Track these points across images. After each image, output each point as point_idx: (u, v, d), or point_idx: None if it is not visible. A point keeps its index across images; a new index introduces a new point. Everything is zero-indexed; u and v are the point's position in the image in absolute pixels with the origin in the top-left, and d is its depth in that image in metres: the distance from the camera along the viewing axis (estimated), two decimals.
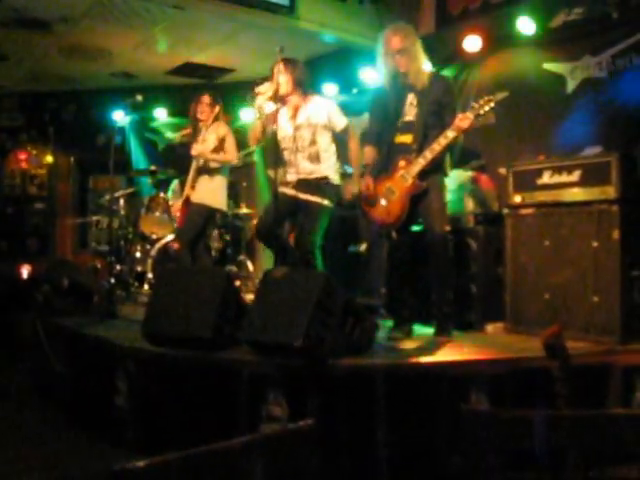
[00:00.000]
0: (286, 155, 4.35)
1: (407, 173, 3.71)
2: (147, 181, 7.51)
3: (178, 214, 5.12)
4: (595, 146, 4.41)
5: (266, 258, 6.69)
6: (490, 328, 4.18)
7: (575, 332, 3.63)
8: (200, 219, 5.06)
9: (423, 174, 3.71)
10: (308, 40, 6.18)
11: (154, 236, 6.06)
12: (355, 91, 6.51)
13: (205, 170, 5.07)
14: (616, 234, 3.61)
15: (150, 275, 5.81)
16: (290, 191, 4.30)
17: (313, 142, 4.29)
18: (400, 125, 3.83)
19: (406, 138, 3.80)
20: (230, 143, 5.12)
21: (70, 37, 6.36)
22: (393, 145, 3.84)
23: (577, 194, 3.83)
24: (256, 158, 7.58)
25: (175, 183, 6.13)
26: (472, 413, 1.66)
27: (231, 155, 5.13)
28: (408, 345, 3.70)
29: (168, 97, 7.85)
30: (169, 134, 8.22)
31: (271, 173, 4.47)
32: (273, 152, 4.22)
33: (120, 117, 7.58)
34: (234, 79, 7.74)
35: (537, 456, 1.53)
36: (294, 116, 4.33)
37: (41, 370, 4.57)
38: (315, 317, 2.96)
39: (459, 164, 5.16)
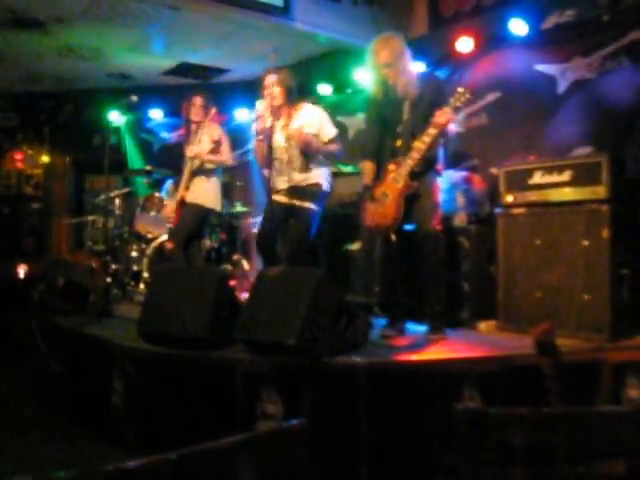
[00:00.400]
0: (277, 164, 4.43)
1: (398, 175, 3.74)
2: (142, 181, 7.54)
3: (172, 215, 5.13)
4: (586, 146, 4.46)
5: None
6: (482, 326, 4.22)
7: (566, 330, 3.67)
8: (194, 219, 5.07)
9: (415, 174, 3.74)
10: (302, 41, 6.20)
11: (150, 235, 6.08)
12: (349, 91, 6.55)
13: (200, 171, 5.08)
14: (606, 233, 3.65)
15: (146, 274, 5.82)
16: (283, 199, 4.40)
17: (302, 152, 4.37)
18: (397, 132, 3.87)
19: (399, 142, 3.84)
20: (225, 144, 5.13)
21: (66, 37, 6.36)
22: (394, 154, 3.87)
23: (568, 194, 3.87)
24: (251, 157, 7.61)
25: (169, 183, 6.14)
26: (464, 411, 1.68)
27: (226, 156, 5.14)
28: (401, 343, 3.74)
29: (163, 97, 7.85)
30: (164, 134, 8.24)
31: (265, 173, 4.50)
32: (267, 161, 4.35)
33: (116, 117, 7.60)
34: (229, 79, 7.77)
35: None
36: (286, 126, 4.38)
37: (39, 370, 4.58)
38: (309, 316, 2.99)
39: (452, 164, 5.21)
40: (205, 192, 5.10)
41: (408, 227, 3.95)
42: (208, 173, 5.11)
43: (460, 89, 3.68)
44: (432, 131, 3.64)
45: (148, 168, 6.56)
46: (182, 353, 3.35)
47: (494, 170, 4.65)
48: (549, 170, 3.98)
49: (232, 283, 5.25)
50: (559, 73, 4.79)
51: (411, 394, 3.07)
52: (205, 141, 5.06)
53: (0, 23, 5.92)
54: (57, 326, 4.45)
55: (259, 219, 4.78)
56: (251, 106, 7.32)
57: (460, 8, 5.63)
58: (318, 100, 6.88)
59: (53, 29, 6.11)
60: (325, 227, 5.29)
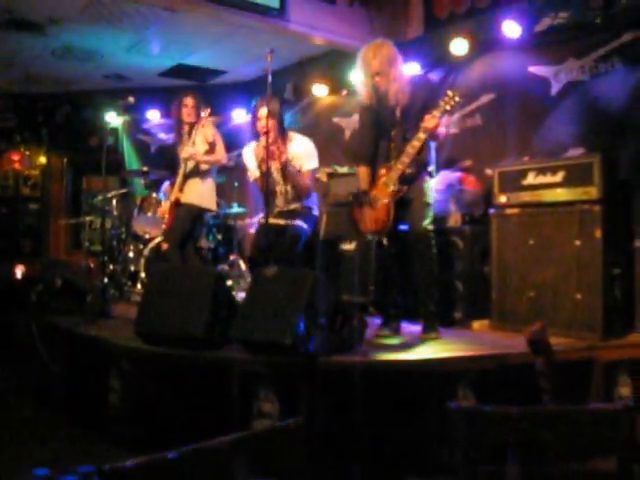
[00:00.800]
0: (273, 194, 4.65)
1: (388, 179, 3.77)
2: (140, 182, 7.55)
3: (166, 216, 5.15)
4: (578, 147, 4.49)
5: None
6: (476, 325, 4.26)
7: (559, 329, 3.71)
8: (189, 219, 5.08)
9: (406, 178, 3.76)
10: (298, 42, 6.21)
11: (147, 236, 6.09)
12: (345, 92, 6.57)
13: (195, 172, 5.09)
14: (598, 233, 3.70)
15: (143, 275, 5.83)
16: (276, 220, 4.58)
17: (294, 185, 4.61)
18: (390, 136, 3.89)
19: (391, 146, 3.87)
20: (219, 144, 5.14)
21: (62, 39, 6.35)
22: (388, 159, 3.89)
23: (561, 194, 3.92)
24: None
25: (166, 185, 6.15)
26: (458, 409, 1.70)
27: (220, 155, 5.15)
28: (396, 342, 3.77)
29: (160, 99, 7.86)
30: (162, 135, 8.25)
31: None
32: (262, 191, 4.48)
33: (113, 118, 7.61)
34: (225, 81, 7.78)
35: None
36: (278, 157, 4.54)
37: (37, 370, 4.59)
38: (305, 315, 3.02)
39: (446, 165, 5.25)
40: (200, 192, 5.11)
41: (403, 227, 3.98)
42: (203, 174, 5.12)
43: (449, 92, 3.70)
44: (421, 135, 3.66)
45: (145, 169, 6.58)
46: (179, 353, 3.37)
47: (488, 171, 4.69)
48: (542, 171, 4.02)
49: (229, 283, 5.28)
50: (552, 75, 4.82)
51: (406, 393, 3.10)
52: (199, 142, 5.06)
53: None
54: (55, 326, 4.46)
55: (255, 219, 4.84)
56: (247, 107, 7.39)
57: (455, 10, 5.66)
58: (314, 101, 6.93)
59: (50, 30, 6.09)
60: (320, 227, 5.33)
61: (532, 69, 4.95)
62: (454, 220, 4.49)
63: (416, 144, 3.68)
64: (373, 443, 3.01)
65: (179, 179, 5.06)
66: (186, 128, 5.15)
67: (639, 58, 4.30)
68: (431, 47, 5.72)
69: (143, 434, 3.39)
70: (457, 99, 3.68)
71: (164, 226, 5.16)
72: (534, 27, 4.87)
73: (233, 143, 6.68)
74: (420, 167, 3.85)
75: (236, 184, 6.75)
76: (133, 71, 7.47)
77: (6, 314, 5.56)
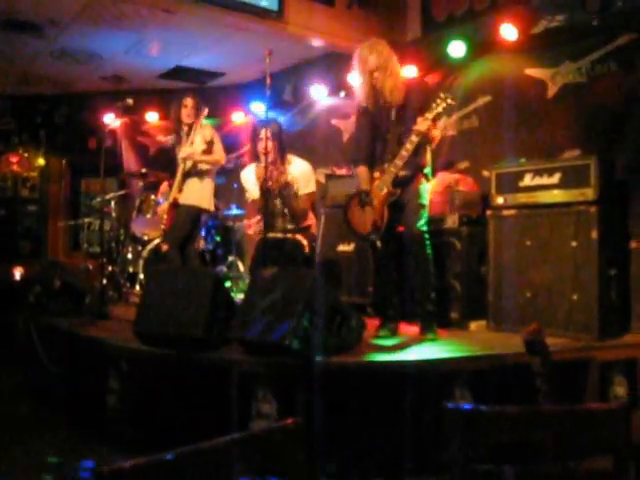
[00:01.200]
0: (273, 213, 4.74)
1: (382, 182, 3.79)
2: (138, 183, 7.56)
3: (165, 216, 5.15)
4: (575, 149, 4.52)
5: None
6: (473, 326, 4.28)
7: (555, 329, 3.73)
8: (188, 220, 5.09)
9: (399, 181, 3.78)
10: (297, 44, 6.22)
11: (145, 237, 6.11)
12: (343, 94, 6.59)
13: (193, 173, 5.10)
14: (594, 234, 3.72)
15: (142, 276, 5.85)
16: (274, 234, 4.66)
17: (291, 206, 4.73)
18: (386, 139, 3.90)
19: (386, 149, 3.88)
20: (217, 144, 5.15)
21: (61, 40, 6.36)
22: (383, 159, 3.91)
23: (557, 196, 3.94)
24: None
25: (164, 185, 6.16)
26: (455, 409, 1.71)
27: (219, 156, 5.15)
28: (394, 343, 3.79)
29: (159, 100, 7.88)
30: (160, 137, 8.25)
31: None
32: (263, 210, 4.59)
33: (111, 120, 7.62)
34: (224, 83, 7.80)
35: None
36: (277, 179, 4.64)
37: (37, 371, 4.60)
38: (303, 316, 3.03)
39: (444, 167, 5.27)
40: (199, 193, 5.11)
41: (401, 229, 4.00)
42: (201, 174, 5.13)
43: (442, 94, 3.72)
44: (414, 138, 3.68)
45: (143, 171, 6.59)
46: (178, 353, 3.38)
47: (485, 172, 4.72)
48: (539, 172, 4.05)
49: (227, 284, 5.30)
50: (549, 77, 4.85)
51: (404, 393, 3.11)
52: (198, 142, 5.06)
53: None
54: (54, 327, 4.47)
55: (254, 220, 4.84)
56: (246, 109, 7.41)
57: (452, 12, 5.69)
58: (313, 103, 6.95)
59: (48, 31, 6.10)
60: (319, 229, 5.35)
61: (529, 71, 4.98)
62: (451, 221, 4.50)
63: (409, 147, 3.69)
64: (371, 443, 3.02)
65: (177, 179, 5.07)
66: (185, 129, 5.16)
67: (635, 61, 4.33)
68: (429, 49, 5.74)
69: (142, 435, 3.39)
70: (449, 101, 3.70)
71: (163, 227, 5.16)
72: (531, 30, 4.90)
73: (231, 145, 6.71)
74: (415, 169, 3.86)
75: (235, 186, 6.76)
76: (132, 73, 7.48)
77: (5, 315, 5.58)
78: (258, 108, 7.18)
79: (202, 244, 6.19)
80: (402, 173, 3.77)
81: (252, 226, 4.79)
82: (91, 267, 6.33)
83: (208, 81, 7.75)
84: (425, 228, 3.87)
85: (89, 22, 5.88)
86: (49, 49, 6.65)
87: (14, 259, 7.67)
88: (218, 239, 6.44)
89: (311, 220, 5.00)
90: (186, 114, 5.13)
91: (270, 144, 4.35)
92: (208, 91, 7.66)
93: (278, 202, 4.75)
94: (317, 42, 6.25)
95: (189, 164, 5.08)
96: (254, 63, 6.25)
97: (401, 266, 3.98)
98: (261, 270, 3.53)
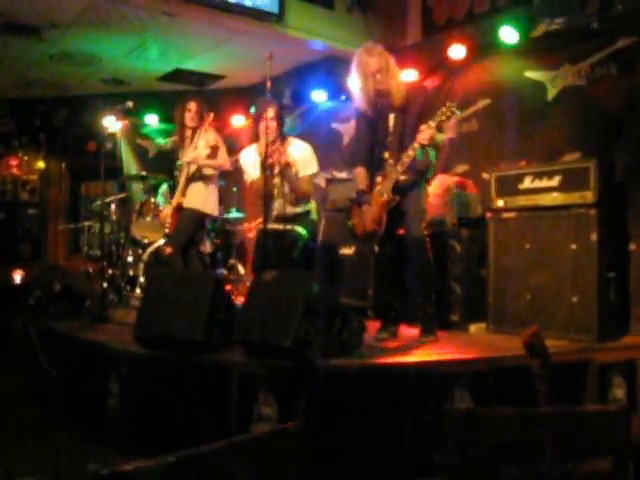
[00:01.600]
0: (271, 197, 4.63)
1: (383, 188, 3.80)
2: (138, 186, 7.57)
3: (169, 220, 5.15)
4: (574, 152, 4.53)
5: None
6: (473, 328, 4.28)
7: (554, 331, 3.74)
8: (192, 224, 5.09)
9: (400, 188, 3.79)
10: (297, 48, 6.24)
11: (146, 240, 6.10)
12: (344, 98, 6.60)
13: (197, 177, 5.10)
14: (594, 237, 3.73)
15: (142, 279, 5.83)
16: (274, 225, 4.54)
17: (292, 186, 4.62)
18: (386, 143, 3.91)
19: (387, 154, 3.88)
20: (221, 149, 5.15)
21: (60, 43, 6.36)
22: (381, 163, 3.92)
23: (557, 198, 3.95)
24: None
25: (164, 187, 6.16)
26: (455, 411, 1.71)
27: (223, 160, 5.16)
28: (394, 345, 3.79)
29: (159, 103, 7.88)
30: (160, 140, 8.26)
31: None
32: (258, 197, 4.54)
33: (111, 123, 7.61)
34: (224, 86, 7.81)
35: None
36: (278, 159, 4.54)
37: (37, 374, 4.60)
38: (304, 319, 3.04)
39: (444, 169, 5.28)
40: (203, 197, 5.11)
41: (401, 232, 4.01)
42: (205, 178, 5.13)
43: (448, 103, 3.70)
44: (416, 145, 3.69)
45: (144, 174, 6.59)
46: (178, 356, 3.38)
47: (485, 175, 4.72)
48: (539, 175, 4.06)
49: (228, 287, 5.30)
50: (549, 80, 4.87)
51: (404, 395, 3.12)
52: (201, 146, 5.06)
53: None
54: (54, 331, 4.47)
55: (254, 224, 4.84)
56: (246, 112, 7.41)
57: (452, 16, 5.71)
58: (313, 106, 6.96)
59: (48, 34, 6.10)
60: (318, 232, 5.35)
61: (528, 74, 5.00)
62: (451, 224, 4.52)
63: (411, 154, 3.70)
64: (371, 445, 3.03)
65: (181, 183, 5.06)
66: (188, 132, 5.16)
67: (634, 63, 4.34)
68: (429, 53, 5.76)
69: (142, 438, 3.39)
70: (454, 110, 3.69)
71: (167, 230, 5.16)
72: (530, 33, 4.91)
73: (231, 148, 6.70)
74: (417, 174, 3.87)
75: (235, 189, 6.76)
76: (132, 76, 7.49)
77: (5, 319, 5.58)
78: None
79: (204, 247, 6.18)
80: (403, 177, 3.78)
81: (252, 230, 4.78)
82: (91, 270, 6.32)
83: (208, 84, 7.76)
84: (425, 231, 3.87)
85: (89, 25, 5.89)
86: (49, 52, 6.65)
87: (14, 262, 7.67)
88: (218, 242, 6.43)
89: (312, 204, 4.93)
90: (190, 118, 5.13)
91: (272, 124, 4.31)
92: (208, 94, 7.66)
93: (278, 182, 4.65)
94: (317, 45, 6.27)
95: (193, 168, 5.07)
96: (254, 66, 6.26)
97: (401, 269, 3.99)
98: (262, 273, 3.53)
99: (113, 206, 6.51)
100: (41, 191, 8.69)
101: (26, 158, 8.62)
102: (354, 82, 3.90)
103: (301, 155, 4.71)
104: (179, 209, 5.06)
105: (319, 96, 6.73)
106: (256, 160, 4.72)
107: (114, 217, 6.50)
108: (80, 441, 3.68)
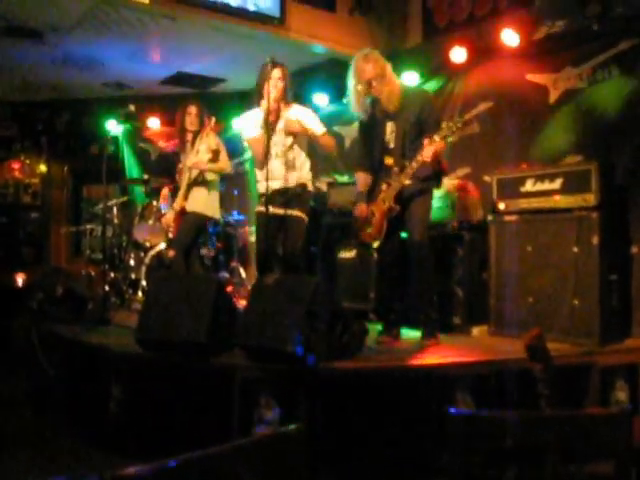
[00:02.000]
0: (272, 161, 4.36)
1: (386, 196, 3.82)
2: (140, 190, 7.58)
3: (172, 224, 5.14)
4: (576, 155, 4.53)
5: None
6: (475, 331, 4.29)
7: (556, 334, 3.74)
8: (194, 227, 5.09)
9: (402, 198, 3.81)
10: (298, 51, 6.24)
11: (147, 244, 6.10)
12: (346, 101, 6.60)
13: (199, 181, 5.09)
14: (595, 240, 3.73)
15: (144, 282, 5.84)
16: (274, 209, 4.34)
17: (291, 148, 4.37)
18: (386, 150, 3.93)
19: (390, 160, 3.90)
20: (223, 152, 5.14)
21: (62, 47, 6.37)
22: (380, 169, 3.95)
23: (558, 201, 3.95)
24: (248, 167, 7.66)
25: (165, 190, 6.16)
26: (457, 414, 1.71)
27: (225, 164, 5.15)
28: (396, 348, 3.80)
29: (161, 106, 7.89)
30: (162, 143, 8.27)
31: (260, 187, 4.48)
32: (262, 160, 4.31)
33: (113, 126, 7.63)
34: (226, 89, 7.82)
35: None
36: (275, 122, 4.40)
37: (39, 378, 4.61)
38: (305, 322, 3.04)
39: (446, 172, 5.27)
40: (205, 201, 5.11)
41: (404, 235, 4.01)
42: (207, 183, 5.13)
43: (457, 119, 3.68)
44: (419, 158, 3.69)
45: (146, 177, 6.60)
46: (180, 359, 3.38)
47: (486, 178, 4.72)
48: (540, 178, 4.06)
49: (229, 290, 5.30)
50: (550, 82, 4.87)
51: (405, 398, 3.12)
52: (203, 150, 5.06)
53: None
54: (56, 334, 4.47)
55: (254, 228, 4.78)
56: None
57: (454, 18, 5.71)
58: (314, 109, 6.96)
59: (50, 38, 6.11)
60: (320, 233, 5.36)
61: (530, 77, 5.00)
62: (453, 227, 4.52)
63: (414, 165, 3.72)
64: (372, 448, 3.02)
65: (183, 188, 5.06)
66: (189, 136, 5.16)
67: (636, 66, 4.34)
68: (430, 55, 5.76)
69: (144, 441, 3.39)
70: (460, 125, 3.66)
71: (171, 235, 5.16)
72: (532, 35, 4.91)
73: (233, 151, 6.71)
74: (423, 181, 3.88)
75: (236, 192, 6.77)
76: (133, 79, 7.49)
77: (7, 321, 5.58)
78: None
79: (206, 251, 6.17)
80: (408, 182, 3.79)
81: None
82: (93, 274, 6.33)
83: (210, 87, 7.77)
84: (427, 235, 3.88)
85: (91, 29, 5.89)
86: (50, 56, 6.65)
87: (16, 266, 7.68)
88: (219, 245, 6.44)
89: (308, 174, 4.50)
90: (190, 121, 5.12)
91: (279, 83, 4.27)
92: (210, 97, 7.67)
93: (280, 141, 4.37)
94: (319, 48, 6.27)
95: (195, 173, 5.08)
96: (256, 69, 6.25)
97: (403, 271, 3.99)
98: (263, 277, 3.53)
99: (115, 209, 6.52)
100: (43, 194, 8.69)
101: (28, 161, 8.63)
102: (350, 88, 3.91)
103: (307, 116, 4.47)
104: (182, 213, 5.06)
105: (321, 99, 6.74)
106: (258, 119, 4.39)
107: (116, 220, 6.52)
108: (81, 444, 3.68)
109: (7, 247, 8.29)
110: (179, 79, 7.46)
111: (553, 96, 4.85)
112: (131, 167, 8.54)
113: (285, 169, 4.33)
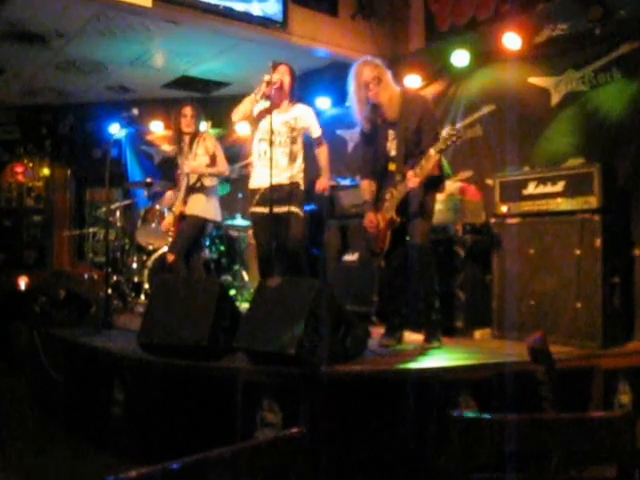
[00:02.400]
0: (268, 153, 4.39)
1: (390, 206, 3.83)
2: (143, 193, 7.59)
3: (172, 228, 5.15)
4: (578, 157, 4.53)
5: None
6: (477, 334, 4.28)
7: (559, 337, 3.74)
8: (194, 231, 5.09)
9: (402, 208, 3.81)
10: (301, 54, 6.25)
11: (150, 247, 6.12)
12: (348, 105, 6.60)
13: (198, 185, 5.09)
14: (598, 242, 3.73)
15: (146, 286, 5.86)
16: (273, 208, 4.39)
17: (293, 141, 4.48)
18: (388, 157, 3.93)
19: (394, 167, 3.89)
20: (220, 156, 5.13)
21: (66, 51, 6.39)
22: (384, 175, 3.94)
23: (561, 204, 3.95)
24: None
25: (168, 194, 6.18)
26: (459, 417, 1.71)
27: (223, 167, 5.14)
28: (399, 351, 3.80)
29: (164, 110, 7.90)
30: (165, 147, 8.29)
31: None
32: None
33: (116, 130, 7.64)
34: (229, 93, 7.83)
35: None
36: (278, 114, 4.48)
37: (40, 380, 4.61)
38: (308, 325, 3.04)
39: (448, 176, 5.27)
40: (204, 204, 5.11)
41: (407, 238, 4.01)
42: (206, 186, 5.14)
43: (452, 131, 3.63)
44: (419, 171, 3.67)
45: (148, 180, 6.61)
46: (183, 363, 3.38)
47: (489, 181, 4.73)
48: (542, 181, 4.07)
49: (232, 293, 5.30)
50: (552, 86, 4.87)
51: (408, 402, 3.11)
52: (201, 154, 5.07)
53: (0, 36, 5.97)
54: (58, 338, 4.47)
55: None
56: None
57: (456, 22, 5.72)
58: (317, 113, 6.97)
59: (54, 43, 6.14)
60: (323, 236, 5.36)
61: (532, 80, 5.00)
62: (455, 230, 4.52)
63: (415, 179, 3.71)
64: (375, 451, 3.02)
65: (182, 192, 5.07)
66: (186, 139, 5.15)
67: (637, 68, 4.34)
68: (432, 59, 5.77)
69: (146, 444, 3.40)
70: (459, 135, 3.65)
71: (170, 239, 5.17)
72: (534, 39, 4.92)
73: (236, 155, 6.73)
74: (426, 184, 3.87)
75: (240, 195, 6.78)
76: (137, 83, 7.52)
77: (10, 325, 5.59)
78: None
79: (207, 254, 6.18)
80: (411, 186, 3.79)
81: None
82: (96, 277, 6.34)
83: (213, 91, 7.79)
84: (429, 239, 3.88)
85: (95, 33, 5.92)
86: (55, 60, 6.68)
87: (19, 269, 7.70)
88: (222, 249, 6.45)
89: (301, 172, 4.59)
90: (185, 124, 5.11)
91: (286, 78, 4.35)
92: (213, 101, 7.69)
93: (281, 130, 4.49)
94: (321, 52, 6.29)
95: (193, 178, 5.08)
96: (259, 73, 6.28)
97: (406, 275, 3.99)
98: (266, 280, 3.53)
99: (118, 213, 6.53)
100: (46, 198, 8.70)
101: (31, 165, 8.64)
102: (350, 93, 3.92)
103: (310, 115, 4.68)
104: (181, 217, 5.07)
105: (323, 103, 6.75)
106: (263, 107, 4.54)
107: (119, 224, 6.53)
108: (84, 447, 3.69)
109: (10, 250, 8.30)
110: (182, 83, 7.48)
111: (555, 99, 4.86)
112: (134, 171, 8.55)
113: (288, 161, 4.47)
